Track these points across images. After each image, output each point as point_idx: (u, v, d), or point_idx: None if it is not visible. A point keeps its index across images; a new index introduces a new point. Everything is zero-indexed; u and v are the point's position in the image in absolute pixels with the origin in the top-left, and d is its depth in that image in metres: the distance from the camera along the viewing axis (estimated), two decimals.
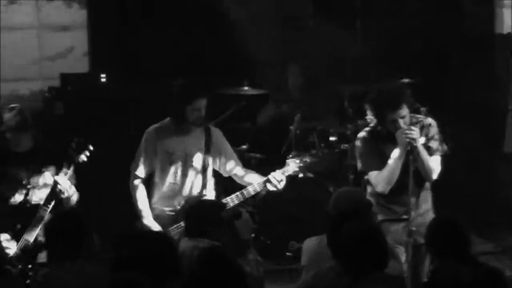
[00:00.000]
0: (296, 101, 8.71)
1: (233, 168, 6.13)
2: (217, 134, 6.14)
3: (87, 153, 5.78)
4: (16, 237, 5.67)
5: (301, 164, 6.13)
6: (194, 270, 4.03)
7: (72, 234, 4.62)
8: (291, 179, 8.09)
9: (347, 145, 8.33)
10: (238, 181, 6.16)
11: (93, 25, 9.14)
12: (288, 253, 7.98)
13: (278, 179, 6.02)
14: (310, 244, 5.17)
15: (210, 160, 6.05)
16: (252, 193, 6.07)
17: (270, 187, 6.06)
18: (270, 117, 8.99)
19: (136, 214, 6.02)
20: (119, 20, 9.18)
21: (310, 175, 8.14)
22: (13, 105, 5.90)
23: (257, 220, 8.18)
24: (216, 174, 6.21)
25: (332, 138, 8.45)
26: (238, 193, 6.03)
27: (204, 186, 6.06)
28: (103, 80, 8.31)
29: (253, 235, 8.11)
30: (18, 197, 5.79)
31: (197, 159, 6.03)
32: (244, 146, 8.35)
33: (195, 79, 6.12)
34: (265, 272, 7.66)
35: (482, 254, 7.01)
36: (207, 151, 6.05)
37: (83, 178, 6.03)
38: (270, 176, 6.02)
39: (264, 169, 8.38)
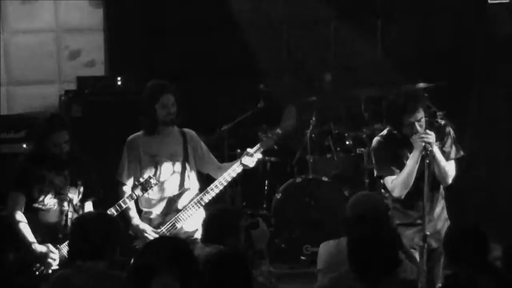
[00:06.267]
0: (311, 105, 8.68)
1: (211, 165, 6.20)
2: (192, 134, 6.22)
3: (152, 189, 5.94)
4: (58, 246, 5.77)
5: (274, 137, 6.17)
6: (206, 270, 4.07)
7: (99, 234, 4.60)
8: (306, 182, 8.18)
9: (363, 149, 8.33)
10: (215, 176, 6.18)
11: (110, 28, 9.19)
12: (303, 257, 7.99)
13: (251, 154, 6.04)
14: (326, 247, 5.16)
15: (189, 157, 6.11)
16: (232, 175, 6.07)
17: (248, 161, 6.05)
18: (293, 124, 8.98)
19: (127, 221, 6.05)
20: (135, 23, 9.22)
21: (326, 179, 8.16)
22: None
23: (273, 224, 8.20)
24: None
25: (347, 142, 8.46)
26: (217, 181, 6.05)
27: (186, 182, 6.10)
28: (119, 83, 8.35)
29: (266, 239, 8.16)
30: (48, 201, 5.84)
31: (180, 159, 6.10)
32: None
33: (162, 80, 6.16)
34: (280, 275, 7.69)
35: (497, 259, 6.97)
36: (185, 150, 6.11)
37: (102, 178, 6.10)
38: (243, 156, 6.06)
39: (276, 173, 8.42)
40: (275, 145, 6.32)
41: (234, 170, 6.08)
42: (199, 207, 6.02)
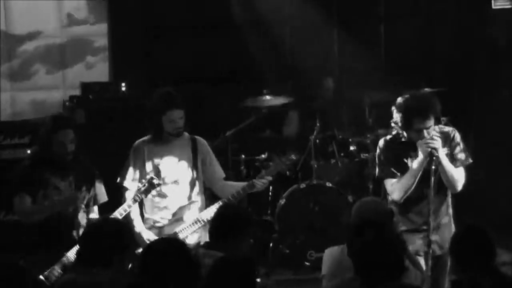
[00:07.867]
0: (317, 111, 8.68)
1: (217, 179, 6.12)
2: (203, 144, 6.13)
3: (157, 190, 5.90)
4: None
5: (288, 162, 6.12)
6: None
7: (110, 240, 4.54)
8: (310, 188, 8.17)
9: (367, 154, 8.32)
10: (219, 190, 6.11)
11: (114, 34, 9.21)
12: (307, 263, 7.97)
13: (264, 179, 5.99)
14: (331, 253, 5.15)
15: (198, 166, 6.05)
16: (242, 194, 6.00)
17: (257, 185, 6.01)
18: (296, 129, 8.99)
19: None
20: (140, 29, 9.23)
21: (330, 184, 8.15)
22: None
23: (277, 229, 8.19)
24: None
25: (351, 148, 8.46)
26: (230, 195, 5.97)
27: (193, 193, 6.05)
28: (124, 89, 8.35)
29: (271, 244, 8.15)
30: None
31: (186, 166, 6.03)
32: (263, 156, 8.37)
33: (172, 90, 6.02)
34: (284, 281, 7.68)
35: (501, 265, 6.96)
36: (195, 159, 6.04)
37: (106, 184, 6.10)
38: (257, 178, 6.00)
39: (280, 179, 8.40)
40: (288, 170, 6.26)
41: (244, 189, 5.98)
42: (203, 224, 5.93)
